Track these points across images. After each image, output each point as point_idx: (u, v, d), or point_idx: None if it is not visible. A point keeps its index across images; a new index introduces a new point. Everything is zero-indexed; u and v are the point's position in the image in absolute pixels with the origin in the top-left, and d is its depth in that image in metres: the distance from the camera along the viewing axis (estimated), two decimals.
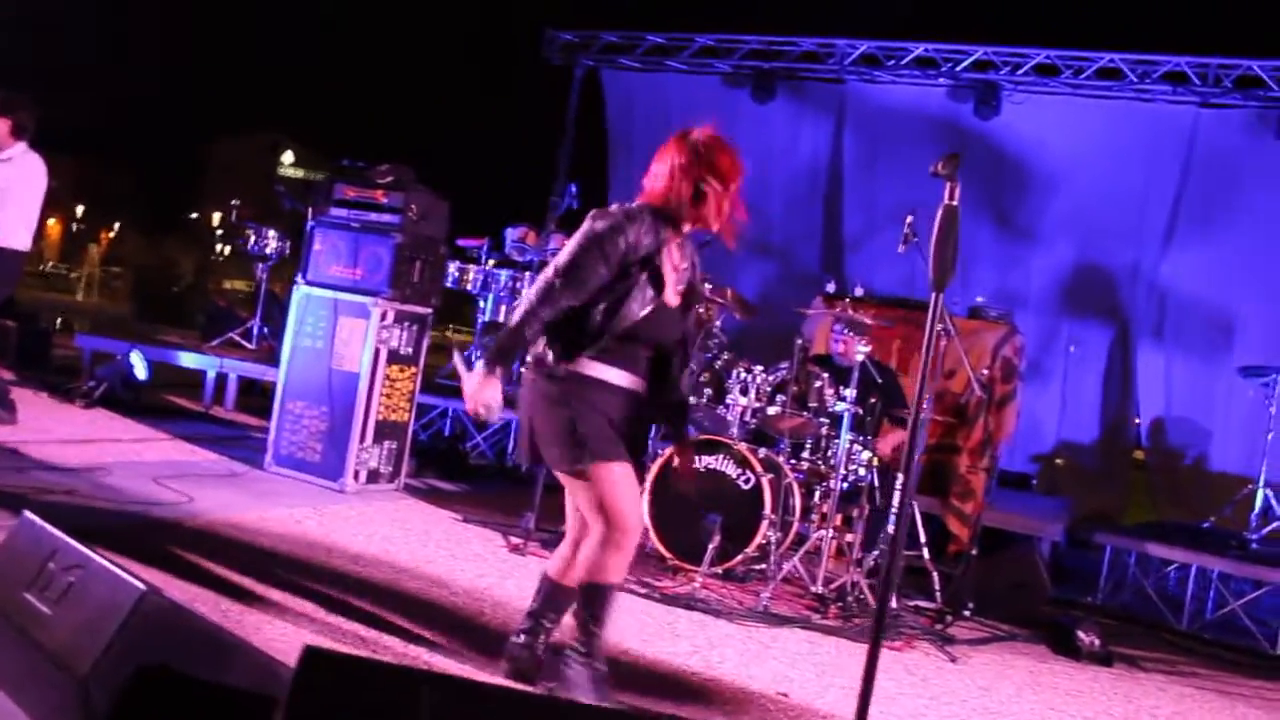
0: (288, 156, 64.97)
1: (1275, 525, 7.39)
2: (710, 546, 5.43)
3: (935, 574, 5.86)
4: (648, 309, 3.40)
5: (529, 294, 3.37)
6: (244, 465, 6.73)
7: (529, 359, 3.50)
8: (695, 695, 3.94)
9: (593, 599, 3.46)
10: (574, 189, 8.55)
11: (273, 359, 8.65)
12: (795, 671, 4.45)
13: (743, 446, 5.71)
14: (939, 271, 2.47)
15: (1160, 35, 9.78)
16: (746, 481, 5.63)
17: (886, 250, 10.58)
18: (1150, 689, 5.21)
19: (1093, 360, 10.15)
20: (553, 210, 10.14)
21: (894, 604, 5.56)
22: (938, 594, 5.83)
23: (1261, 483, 7.42)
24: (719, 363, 6.09)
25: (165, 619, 2.53)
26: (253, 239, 9.13)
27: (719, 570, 5.55)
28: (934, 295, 2.49)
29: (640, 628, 4.70)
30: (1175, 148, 9.60)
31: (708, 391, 6.06)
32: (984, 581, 6.08)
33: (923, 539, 5.95)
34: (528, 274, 8.71)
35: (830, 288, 8.01)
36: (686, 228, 3.54)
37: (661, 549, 5.75)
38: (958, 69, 9.99)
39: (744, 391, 5.91)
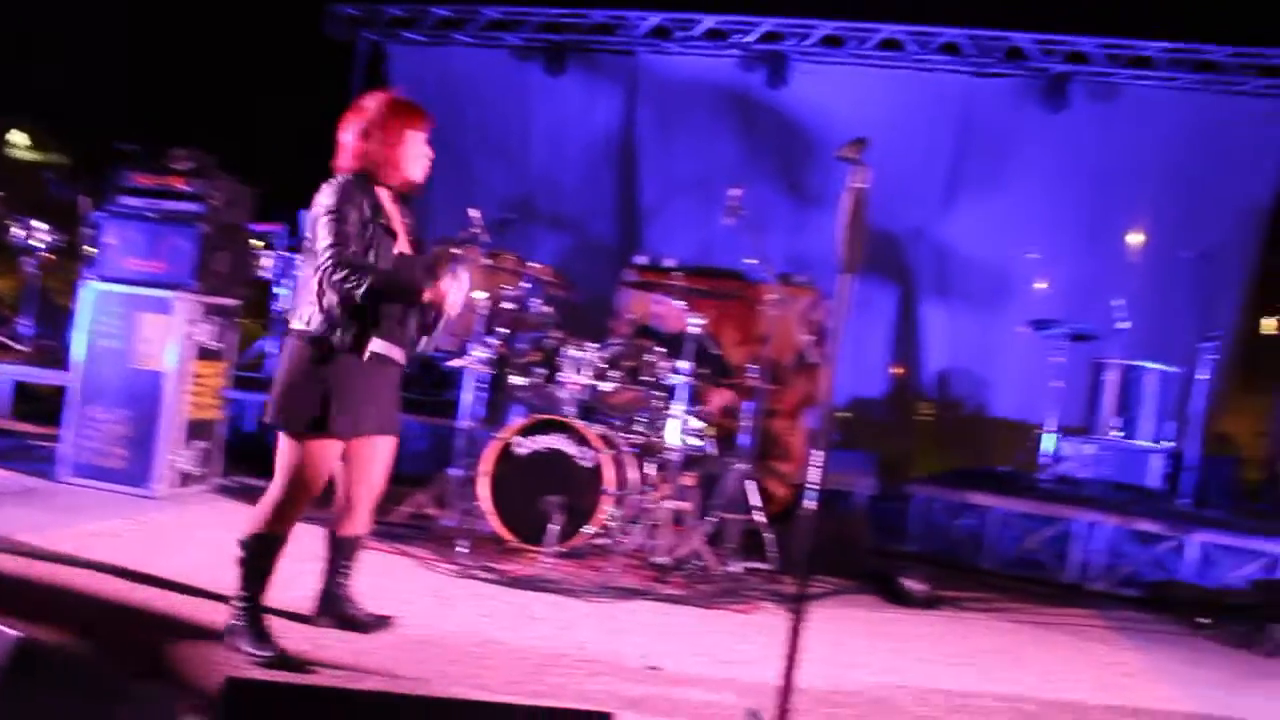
0: (19, 138, 60.08)
1: (1061, 467, 7.97)
2: (554, 526, 5.41)
3: (768, 536, 6.02)
4: (390, 259, 3.78)
5: (334, 285, 3.65)
6: (37, 479, 6.22)
7: (298, 327, 3.77)
8: (571, 678, 3.92)
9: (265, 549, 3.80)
10: None
11: (51, 360, 8.04)
12: (659, 644, 4.49)
13: (580, 424, 5.70)
14: (850, 253, 2.50)
15: (938, 7, 10.27)
16: (586, 459, 5.62)
17: (682, 219, 10.85)
18: (977, 628, 5.54)
19: (880, 318, 10.67)
20: None
21: (731, 568, 5.71)
22: (770, 555, 5.99)
23: (1049, 428, 7.97)
24: (549, 341, 6.04)
25: (45, 664, 2.32)
26: (20, 232, 8.41)
27: (561, 550, 5.53)
28: (844, 276, 2.53)
29: (496, 614, 4.64)
30: (952, 115, 10.15)
31: (540, 370, 6.00)
32: (814, 540, 6.28)
33: (754, 502, 6.10)
34: None
35: (642, 259, 8.08)
36: (391, 185, 3.88)
37: (501, 532, 5.69)
38: (747, 40, 10.21)
39: (577, 369, 5.89)
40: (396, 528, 5.88)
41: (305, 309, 3.77)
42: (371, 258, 3.72)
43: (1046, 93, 9.86)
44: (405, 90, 4.00)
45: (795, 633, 2.46)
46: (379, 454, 4.02)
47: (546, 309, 6.18)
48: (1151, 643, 5.64)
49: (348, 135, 3.86)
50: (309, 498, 3.80)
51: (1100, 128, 9.91)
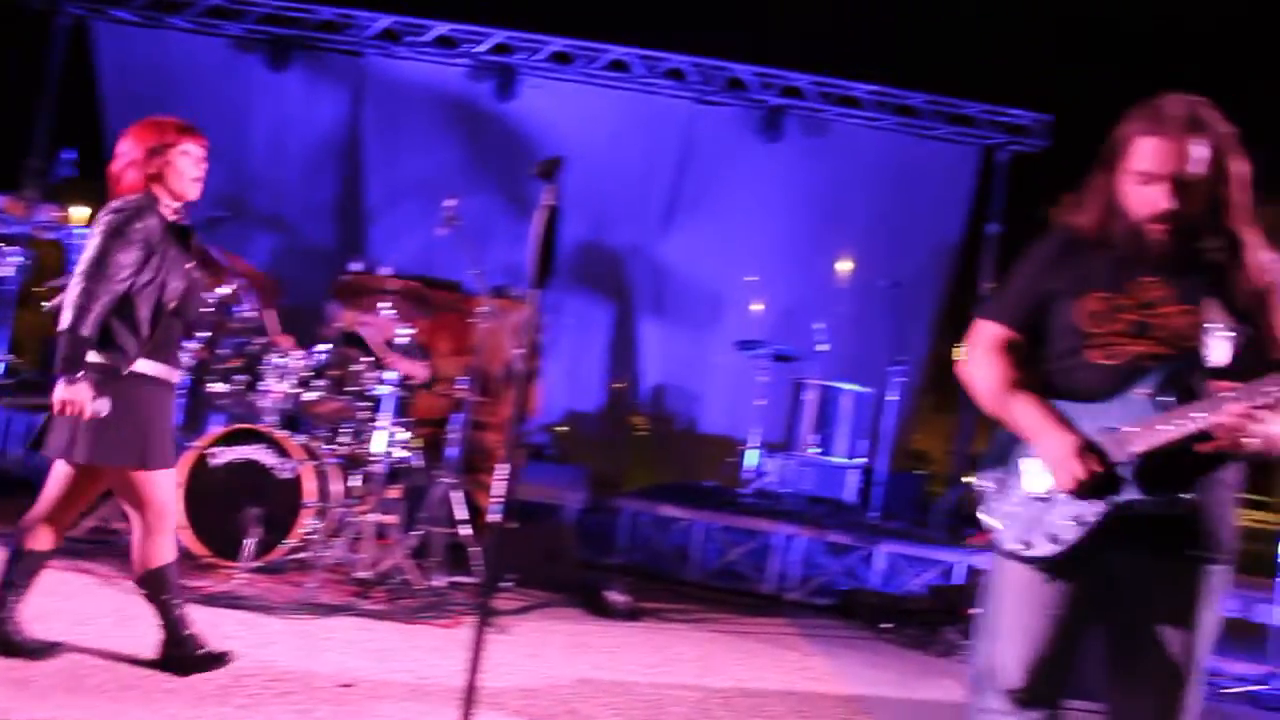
0: None
1: (762, 482, 8.34)
2: (250, 540, 5.17)
3: (474, 550, 5.97)
4: (184, 281, 3.77)
5: (70, 298, 3.55)
6: None
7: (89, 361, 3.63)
8: (259, 699, 3.75)
9: (159, 583, 3.82)
10: (73, 155, 7.65)
11: None
12: (355, 661, 4.36)
13: (281, 434, 5.48)
14: (540, 269, 2.53)
15: (666, 34, 10.65)
16: (286, 470, 5.41)
17: (406, 225, 10.66)
18: (676, 638, 5.69)
19: (598, 333, 10.86)
20: (38, 177, 9.08)
21: (435, 582, 5.62)
22: (475, 569, 5.93)
23: (752, 444, 8.32)
24: (252, 347, 5.77)
25: None
26: None
27: (258, 564, 5.29)
28: (533, 291, 2.55)
29: None
30: (674, 139, 10.50)
31: (242, 378, 5.72)
32: (520, 553, 6.32)
33: (461, 515, 6.05)
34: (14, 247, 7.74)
35: (357, 266, 7.88)
36: (170, 205, 3.83)
37: (193, 546, 5.38)
38: (477, 50, 10.17)
39: (280, 377, 5.66)
40: (76, 543, 5.44)
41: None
42: (166, 278, 3.70)
43: (764, 124, 10.32)
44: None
45: (479, 644, 2.44)
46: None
47: (252, 313, 5.90)
48: (838, 647, 5.97)
49: (128, 157, 3.80)
50: (171, 521, 3.86)
51: (812, 160, 10.50)
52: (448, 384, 6.31)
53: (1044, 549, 2.45)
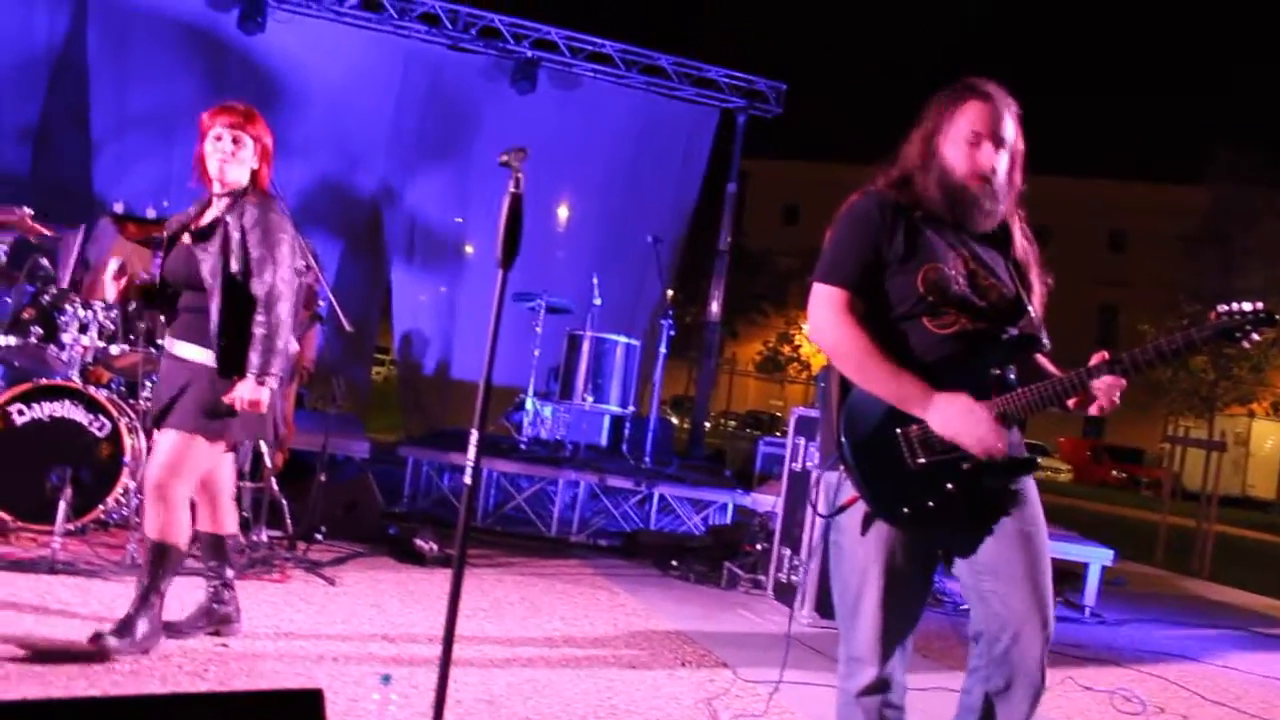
0: None
1: (540, 430, 8.57)
2: (63, 502, 4.87)
3: (285, 502, 5.89)
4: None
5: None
6: None
7: None
8: (141, 663, 3.66)
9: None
10: None
11: None
12: None
13: (92, 390, 5.17)
14: (506, 253, 2.73)
15: None
16: (101, 428, 5.12)
17: (138, 156, 9.95)
18: (490, 582, 5.88)
19: (351, 278, 10.64)
20: None
21: (260, 538, 5.53)
22: (286, 522, 5.87)
23: (531, 393, 8.53)
24: (46, 298, 5.37)
25: None
26: None
27: (71, 527, 5.00)
28: (501, 274, 2.75)
29: (16, 608, 4.13)
30: (425, 83, 10.43)
31: (37, 330, 5.31)
32: (325, 505, 6.28)
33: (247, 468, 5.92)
34: None
35: (119, 208, 7.38)
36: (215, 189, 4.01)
37: None
38: None
39: (83, 329, 5.32)
40: None
41: None
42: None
43: (517, 74, 10.41)
44: None
45: (453, 609, 2.60)
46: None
47: (42, 262, 5.50)
48: (637, 585, 6.35)
49: None
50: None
51: (563, 113, 10.70)
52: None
53: (922, 509, 2.51)
